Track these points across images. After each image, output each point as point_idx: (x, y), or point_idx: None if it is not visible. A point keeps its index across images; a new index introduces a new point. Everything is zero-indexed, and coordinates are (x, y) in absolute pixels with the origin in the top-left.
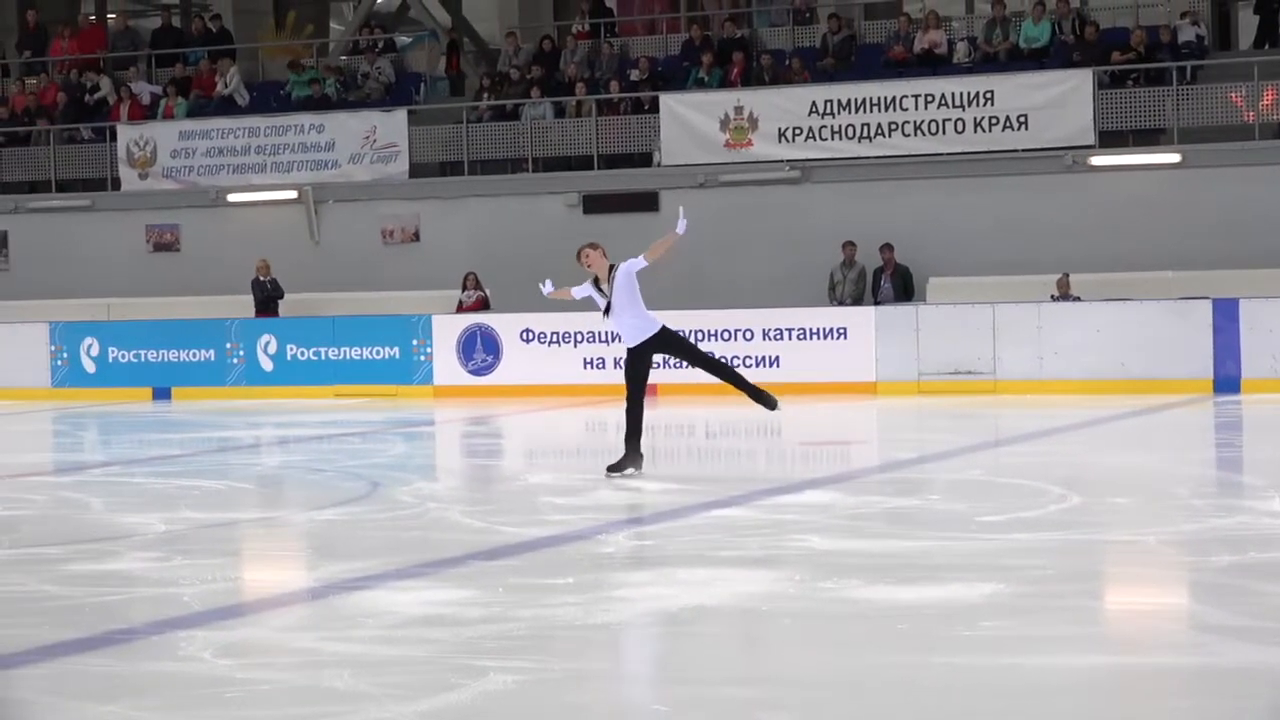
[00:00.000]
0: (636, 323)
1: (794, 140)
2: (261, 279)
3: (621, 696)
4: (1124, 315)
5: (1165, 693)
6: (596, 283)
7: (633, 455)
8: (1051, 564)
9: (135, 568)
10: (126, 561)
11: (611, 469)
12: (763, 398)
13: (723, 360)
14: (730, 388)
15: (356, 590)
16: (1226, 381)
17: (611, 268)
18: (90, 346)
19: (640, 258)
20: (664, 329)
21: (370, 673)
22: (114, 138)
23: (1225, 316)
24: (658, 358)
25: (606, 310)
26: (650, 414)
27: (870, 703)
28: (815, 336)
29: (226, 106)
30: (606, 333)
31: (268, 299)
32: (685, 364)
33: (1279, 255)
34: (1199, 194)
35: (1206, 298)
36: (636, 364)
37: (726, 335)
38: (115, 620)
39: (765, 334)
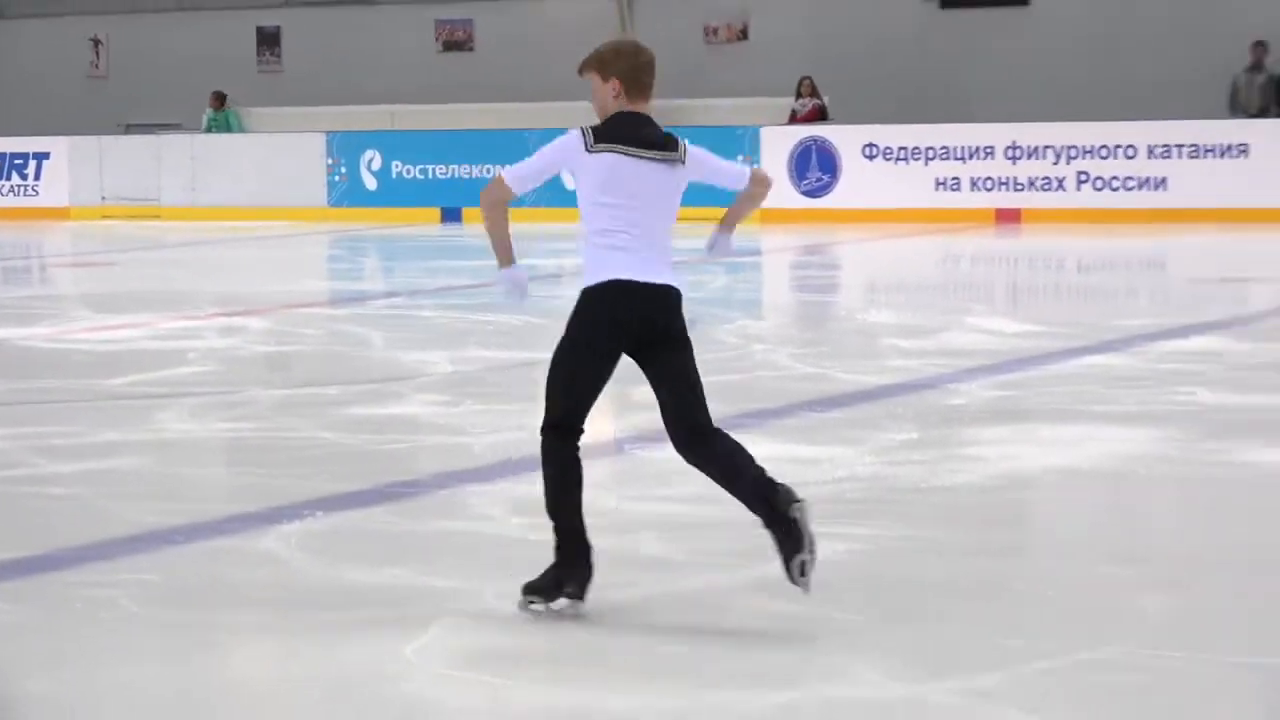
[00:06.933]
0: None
1: None
2: None
3: (969, 571)
4: None
5: None
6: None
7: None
8: None
9: (420, 412)
10: (410, 405)
11: (529, 590)
12: None
13: None
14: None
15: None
16: None
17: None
18: (371, 160)
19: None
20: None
21: (682, 538)
22: None
23: None
24: None
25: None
26: (1010, 244)
27: (1272, 590)
28: (1210, 154)
29: None
30: (963, 148)
31: None
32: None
33: None
34: None
35: None
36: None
37: (1105, 152)
38: (397, 471)
39: (1151, 151)
